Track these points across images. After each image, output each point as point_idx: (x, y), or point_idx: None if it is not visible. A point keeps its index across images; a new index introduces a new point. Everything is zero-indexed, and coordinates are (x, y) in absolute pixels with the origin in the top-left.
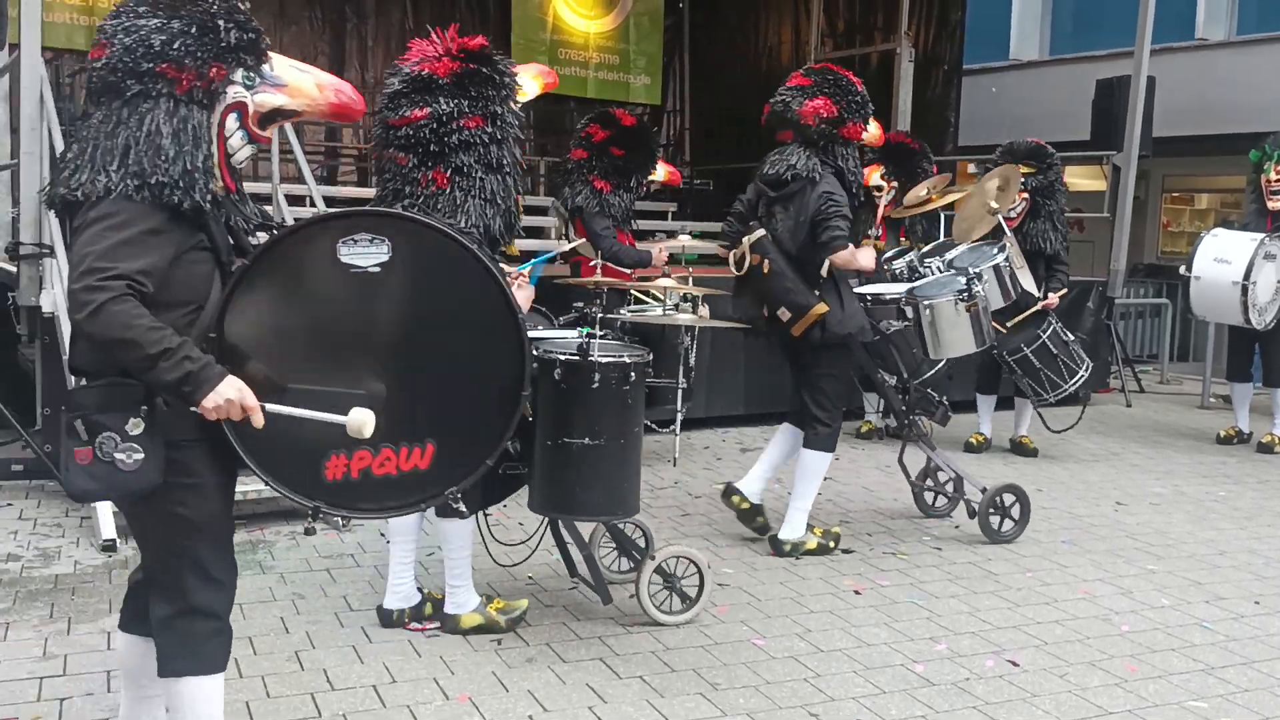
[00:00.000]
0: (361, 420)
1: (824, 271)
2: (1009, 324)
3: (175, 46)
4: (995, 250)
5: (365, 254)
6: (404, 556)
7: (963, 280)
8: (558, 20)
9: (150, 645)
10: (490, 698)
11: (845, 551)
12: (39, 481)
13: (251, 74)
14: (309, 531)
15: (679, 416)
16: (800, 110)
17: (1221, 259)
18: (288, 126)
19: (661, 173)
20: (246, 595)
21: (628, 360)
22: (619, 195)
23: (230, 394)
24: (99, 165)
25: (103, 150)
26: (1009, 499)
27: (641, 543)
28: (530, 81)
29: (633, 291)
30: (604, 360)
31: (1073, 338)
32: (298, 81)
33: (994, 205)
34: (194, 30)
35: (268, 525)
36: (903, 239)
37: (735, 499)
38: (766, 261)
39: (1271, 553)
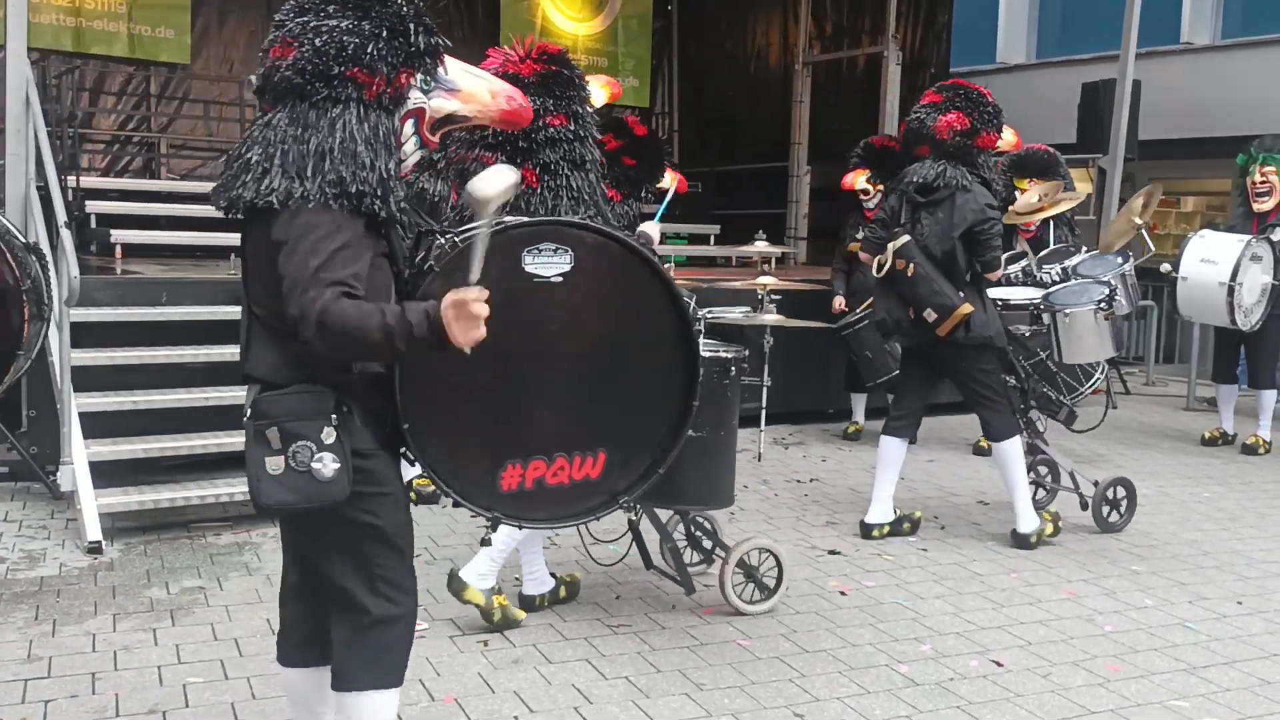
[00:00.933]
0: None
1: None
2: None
3: (369, 51)
4: (1120, 260)
5: (549, 263)
6: (534, 544)
7: (1104, 290)
8: (546, 22)
9: (320, 672)
10: (476, 699)
11: (831, 553)
12: (24, 483)
13: (429, 79)
14: (485, 543)
15: (762, 413)
16: (935, 126)
17: (1208, 260)
18: None
19: (669, 180)
20: (233, 597)
21: (728, 355)
22: (628, 204)
23: (463, 319)
24: (292, 172)
25: (294, 155)
26: (1120, 492)
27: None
28: (598, 90)
29: None
30: (707, 355)
31: None
32: (471, 87)
33: (1138, 221)
34: (385, 33)
35: (255, 527)
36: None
37: (875, 532)
38: (911, 265)
39: (1254, 553)
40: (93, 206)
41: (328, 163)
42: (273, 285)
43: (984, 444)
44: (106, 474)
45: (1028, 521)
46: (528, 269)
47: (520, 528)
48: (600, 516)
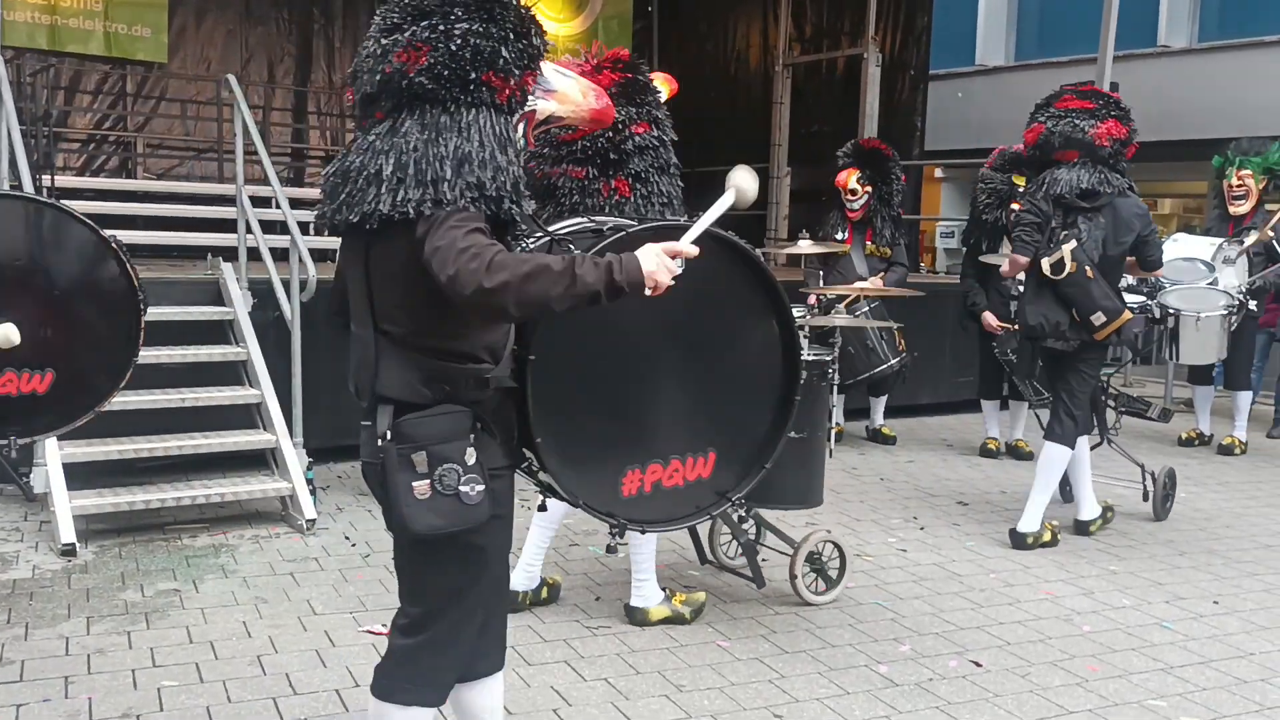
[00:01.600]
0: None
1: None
2: (1016, 326)
3: (503, 55)
4: (1204, 265)
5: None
6: (542, 541)
7: (1231, 298)
8: None
9: (482, 685)
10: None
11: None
12: None
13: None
14: (611, 550)
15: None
16: (1094, 132)
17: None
18: (252, 127)
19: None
20: (208, 599)
21: (827, 358)
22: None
23: (653, 254)
24: (427, 179)
25: (429, 163)
26: (1171, 481)
27: (753, 532)
28: (660, 88)
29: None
30: (811, 358)
31: None
32: (565, 88)
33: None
34: (513, 36)
35: (230, 529)
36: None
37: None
38: (1088, 268)
39: (1230, 553)
40: (68, 206)
41: (466, 168)
42: (412, 298)
43: (991, 445)
44: (80, 476)
45: (1031, 523)
46: None
47: (642, 532)
48: (713, 516)
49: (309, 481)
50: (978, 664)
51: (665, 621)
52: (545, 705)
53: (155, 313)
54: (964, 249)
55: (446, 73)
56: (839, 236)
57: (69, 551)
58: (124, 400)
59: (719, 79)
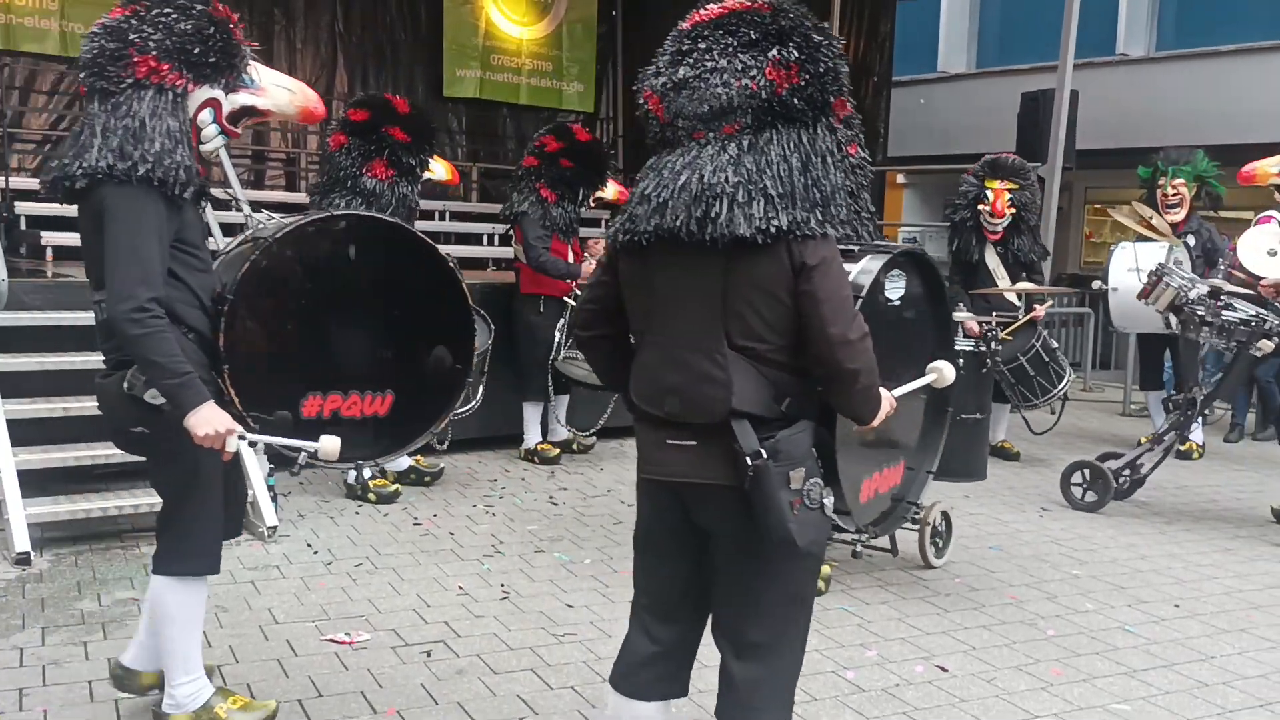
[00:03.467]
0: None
1: None
2: (1003, 334)
3: (843, 77)
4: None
5: (895, 288)
6: None
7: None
8: (490, 26)
9: (669, 706)
10: (419, 711)
11: None
12: None
13: None
14: (855, 555)
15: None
16: None
17: (1134, 269)
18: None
19: (611, 191)
20: None
21: (984, 350)
22: (563, 206)
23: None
24: (814, 202)
25: (798, 183)
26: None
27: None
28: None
29: None
30: (971, 350)
31: (1056, 345)
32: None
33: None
34: (844, 65)
35: None
36: None
37: None
38: None
39: (1190, 557)
40: (22, 208)
41: (837, 194)
42: (777, 314)
43: (1005, 445)
44: (35, 483)
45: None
46: (887, 293)
47: (865, 533)
48: (906, 519)
49: (270, 488)
50: (944, 669)
51: None
52: (512, 713)
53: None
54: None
55: (812, 93)
56: None
57: (23, 560)
58: (80, 405)
59: None
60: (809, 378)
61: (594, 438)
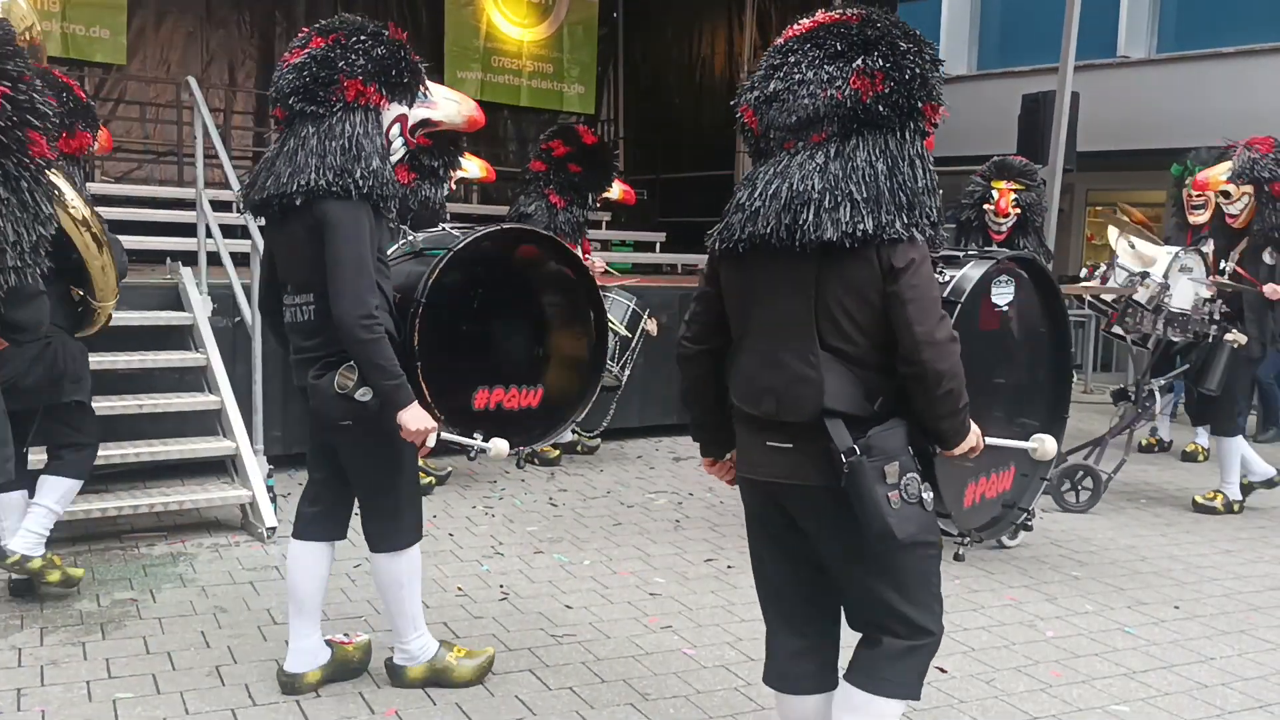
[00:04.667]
0: None
1: None
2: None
3: (936, 86)
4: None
5: (1003, 294)
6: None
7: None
8: (491, 28)
9: (828, 698)
10: (417, 711)
11: None
12: None
13: None
14: (958, 558)
15: None
16: None
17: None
18: (212, 130)
19: (616, 191)
20: (166, 609)
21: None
22: (571, 211)
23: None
24: (901, 206)
25: (889, 188)
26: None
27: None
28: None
29: None
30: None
31: None
32: None
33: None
34: (935, 69)
35: (189, 537)
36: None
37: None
38: None
39: (1190, 559)
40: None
41: (927, 197)
42: (867, 315)
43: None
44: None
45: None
46: (994, 299)
47: (971, 538)
48: (1018, 525)
49: (269, 489)
50: (943, 670)
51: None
52: (509, 714)
53: (114, 317)
54: None
55: (899, 100)
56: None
57: None
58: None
59: (683, 86)
60: (895, 375)
61: (599, 439)
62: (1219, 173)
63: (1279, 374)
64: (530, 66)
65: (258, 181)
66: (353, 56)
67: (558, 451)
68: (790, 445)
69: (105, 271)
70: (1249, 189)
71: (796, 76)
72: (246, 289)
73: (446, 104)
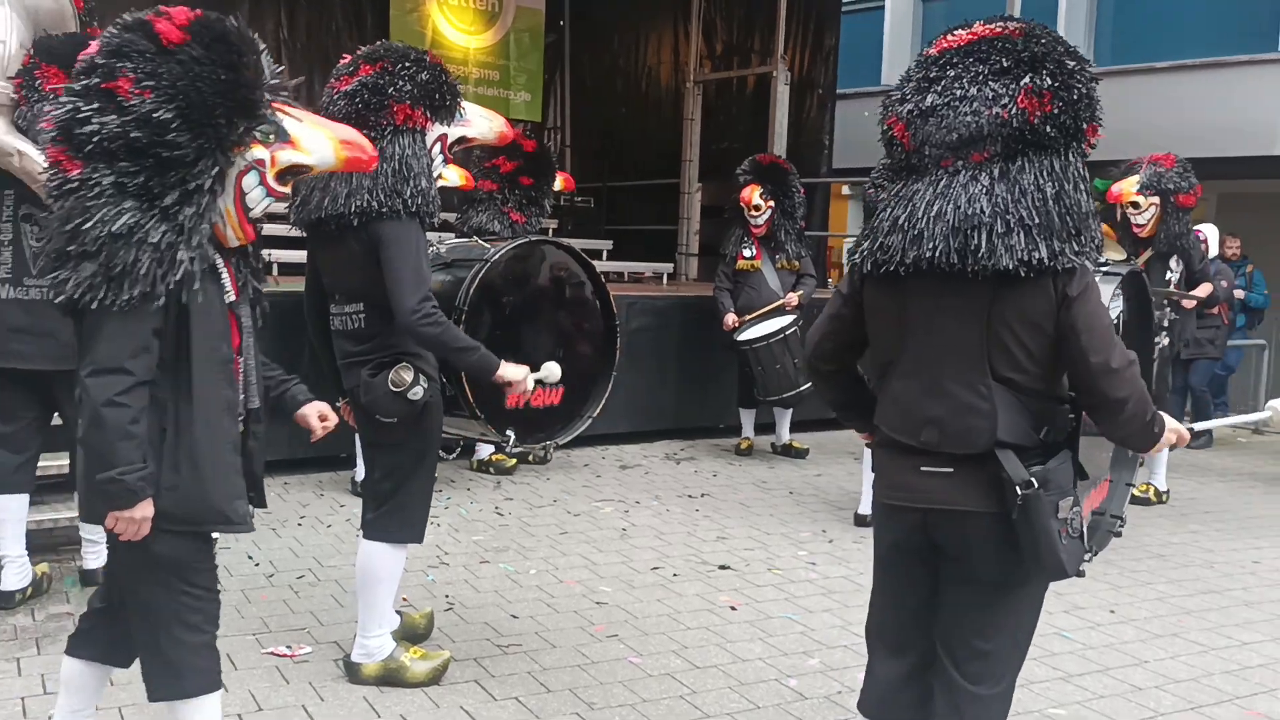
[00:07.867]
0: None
1: None
2: None
3: (1097, 104)
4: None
5: (1112, 307)
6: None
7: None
8: (437, 35)
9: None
10: None
11: (722, 568)
12: None
13: None
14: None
15: None
16: None
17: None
18: None
19: (557, 182)
20: None
21: None
22: (532, 223)
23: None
24: (1061, 231)
25: (1054, 213)
26: None
27: None
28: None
29: None
30: None
31: None
32: None
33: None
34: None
35: None
36: None
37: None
38: None
39: (1125, 563)
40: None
41: (1093, 219)
42: (1040, 345)
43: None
44: None
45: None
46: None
47: (1119, 529)
48: (1112, 533)
49: None
50: None
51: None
52: None
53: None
54: None
55: (1066, 121)
56: (746, 254)
57: None
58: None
59: (630, 94)
60: (1063, 404)
61: (551, 450)
62: (1130, 185)
63: (1212, 382)
64: (476, 74)
65: (313, 200)
66: (400, 82)
67: (514, 461)
68: (950, 470)
69: None
70: (1156, 200)
71: (958, 92)
72: None
73: (480, 121)
